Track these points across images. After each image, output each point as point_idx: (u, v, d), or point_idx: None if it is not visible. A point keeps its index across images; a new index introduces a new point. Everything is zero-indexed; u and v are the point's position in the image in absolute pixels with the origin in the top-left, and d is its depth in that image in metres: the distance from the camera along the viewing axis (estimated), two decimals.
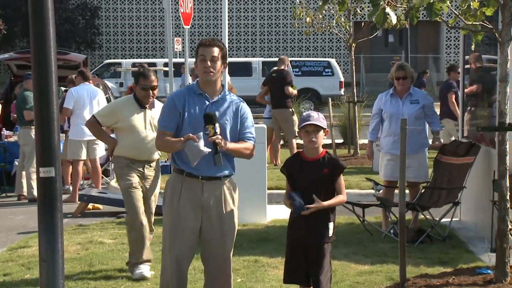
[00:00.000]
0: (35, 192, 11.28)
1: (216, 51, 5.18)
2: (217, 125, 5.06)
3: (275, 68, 14.58)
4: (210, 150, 5.04)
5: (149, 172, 7.12)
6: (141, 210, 6.96)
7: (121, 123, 7.05)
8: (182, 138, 5.09)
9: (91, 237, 8.62)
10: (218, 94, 5.26)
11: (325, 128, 5.35)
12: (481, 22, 6.18)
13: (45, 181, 4.67)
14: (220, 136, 5.05)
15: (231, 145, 5.15)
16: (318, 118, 5.31)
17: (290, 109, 14.03)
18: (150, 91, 7.03)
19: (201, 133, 5.05)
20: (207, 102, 5.22)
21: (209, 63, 5.15)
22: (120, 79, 27.30)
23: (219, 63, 5.20)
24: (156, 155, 7.15)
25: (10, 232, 9.62)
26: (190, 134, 5.06)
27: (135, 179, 6.99)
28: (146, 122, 7.07)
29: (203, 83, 5.25)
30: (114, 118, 7.11)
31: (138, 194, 6.97)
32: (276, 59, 28.11)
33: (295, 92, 14.20)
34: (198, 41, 5.40)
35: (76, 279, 6.95)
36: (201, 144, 5.03)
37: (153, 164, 7.18)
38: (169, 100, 5.33)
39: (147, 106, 7.08)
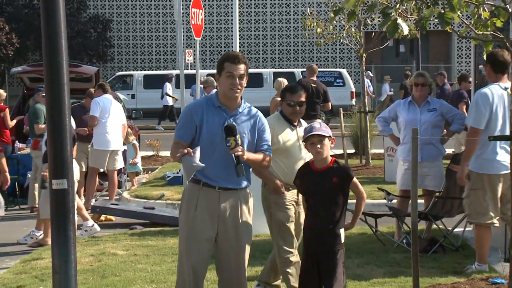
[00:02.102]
0: None
1: (243, 68, 5.22)
2: (238, 136, 5.09)
3: (311, 78, 14.34)
4: (203, 165, 5.03)
5: None
6: (297, 245, 6.31)
7: (274, 145, 5.99)
8: (180, 151, 5.08)
9: (104, 249, 8.64)
10: (237, 107, 5.29)
11: (330, 136, 5.38)
12: (492, 32, 6.18)
13: (58, 193, 4.70)
14: (241, 147, 5.10)
15: (250, 156, 5.20)
16: (320, 128, 5.36)
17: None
18: (297, 107, 6.35)
19: (197, 148, 5.06)
20: (226, 115, 5.25)
21: (237, 80, 5.19)
22: (132, 91, 27.39)
23: (245, 80, 5.25)
24: None
25: (23, 244, 9.68)
26: (186, 149, 5.05)
27: (291, 211, 6.27)
28: (300, 142, 6.21)
29: (225, 97, 5.27)
30: None
31: (293, 229, 6.27)
32: (287, 70, 28.24)
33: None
34: (223, 54, 5.35)
35: None
36: (196, 158, 5.02)
37: None
38: (187, 111, 5.36)
39: (296, 123, 6.40)
